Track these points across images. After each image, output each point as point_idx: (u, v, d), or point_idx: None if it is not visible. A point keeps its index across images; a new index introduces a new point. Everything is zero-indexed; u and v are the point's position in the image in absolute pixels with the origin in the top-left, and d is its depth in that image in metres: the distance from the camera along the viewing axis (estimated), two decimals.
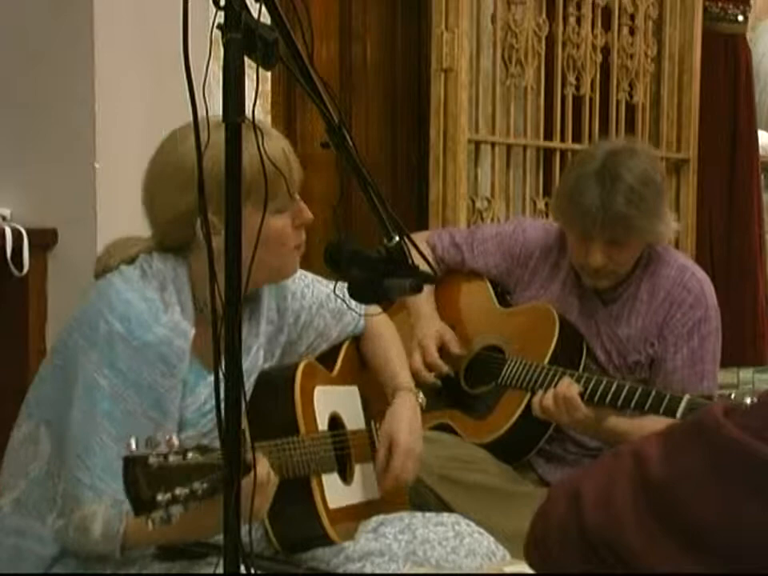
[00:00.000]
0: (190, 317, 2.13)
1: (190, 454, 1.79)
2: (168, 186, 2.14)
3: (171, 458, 1.76)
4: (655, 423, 2.65)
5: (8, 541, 2.15)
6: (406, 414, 2.44)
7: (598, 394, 2.80)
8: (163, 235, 2.17)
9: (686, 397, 2.69)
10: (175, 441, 1.78)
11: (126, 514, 1.97)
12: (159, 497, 1.73)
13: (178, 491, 1.74)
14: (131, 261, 2.16)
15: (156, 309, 2.09)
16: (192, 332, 2.11)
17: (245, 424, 1.93)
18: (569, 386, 2.79)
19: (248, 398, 2.19)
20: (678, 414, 2.68)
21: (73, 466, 2.05)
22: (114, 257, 2.19)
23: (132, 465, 1.73)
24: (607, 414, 2.80)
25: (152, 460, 1.74)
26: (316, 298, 2.38)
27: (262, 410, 2.19)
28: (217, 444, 2.09)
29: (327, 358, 2.46)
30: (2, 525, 2.16)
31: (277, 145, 2.08)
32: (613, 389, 2.78)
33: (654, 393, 2.73)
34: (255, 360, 2.23)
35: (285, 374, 2.28)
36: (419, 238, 3.16)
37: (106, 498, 2.01)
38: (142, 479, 1.72)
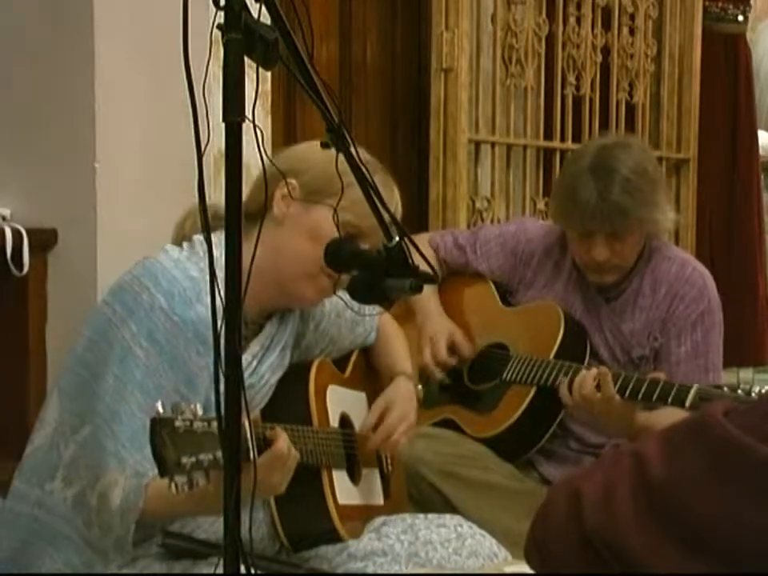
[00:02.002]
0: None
1: (213, 423, 1.80)
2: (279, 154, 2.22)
3: (196, 425, 1.78)
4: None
5: (8, 504, 2.17)
6: (402, 391, 2.46)
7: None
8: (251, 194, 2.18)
9: (695, 386, 2.70)
10: (200, 410, 1.80)
11: (145, 487, 1.99)
12: (184, 459, 1.74)
13: (202, 456, 1.76)
14: (182, 241, 2.20)
15: (199, 289, 2.11)
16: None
17: (257, 414, 1.95)
18: (586, 378, 2.78)
19: (271, 393, 2.23)
20: (687, 404, 2.68)
21: (99, 432, 2.06)
22: (189, 220, 2.24)
23: (159, 426, 1.75)
24: (633, 407, 2.78)
25: (179, 423, 1.76)
26: (335, 305, 2.40)
27: (277, 400, 2.22)
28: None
29: (338, 361, 2.47)
30: (12, 487, 2.18)
31: (395, 195, 2.26)
32: (621, 380, 2.78)
33: (662, 383, 2.74)
34: (281, 359, 2.26)
35: (299, 369, 2.30)
36: (421, 239, 3.18)
37: (128, 467, 2.03)
38: (169, 441, 1.74)
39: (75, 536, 2.11)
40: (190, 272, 2.13)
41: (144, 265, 2.15)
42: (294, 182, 2.15)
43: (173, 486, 1.75)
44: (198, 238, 2.19)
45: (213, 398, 2.11)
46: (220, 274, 2.07)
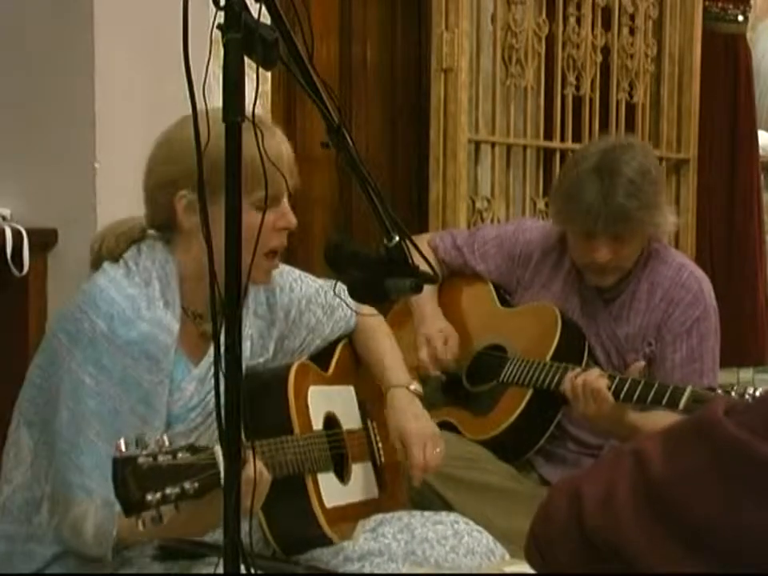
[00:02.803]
0: (175, 312, 2.13)
1: (180, 454, 1.79)
2: (161, 152, 2.17)
3: (161, 458, 1.76)
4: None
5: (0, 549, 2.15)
6: (405, 406, 2.44)
7: None
8: (150, 207, 2.18)
9: (689, 389, 2.69)
10: (165, 440, 1.78)
11: (118, 515, 1.96)
12: (149, 497, 1.73)
13: (168, 491, 1.74)
14: (117, 258, 2.17)
15: (138, 306, 2.10)
16: (176, 327, 2.12)
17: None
18: (598, 378, 2.77)
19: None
20: (681, 406, 2.68)
21: (62, 466, 2.05)
22: (103, 247, 2.21)
23: (121, 466, 1.74)
24: (627, 408, 2.78)
25: (141, 460, 1.74)
26: (305, 292, 2.39)
27: (256, 410, 2.19)
28: (204, 440, 2.10)
29: (322, 358, 2.46)
30: None
31: (278, 144, 2.10)
32: (615, 382, 2.78)
33: (656, 386, 2.73)
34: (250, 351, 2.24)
35: (278, 375, 2.28)
36: (420, 239, 3.17)
37: (97, 497, 2.01)
38: (132, 480, 1.73)
39: (70, 553, 2.11)
40: (126, 290, 2.11)
41: (84, 290, 2.14)
42: (184, 192, 2.11)
43: (140, 523, 1.74)
44: (128, 255, 2.16)
45: (174, 411, 2.13)
46: (144, 291, 2.09)
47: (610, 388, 2.75)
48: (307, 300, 2.39)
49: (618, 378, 2.77)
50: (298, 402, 2.27)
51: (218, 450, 1.80)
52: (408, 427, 2.39)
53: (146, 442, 1.76)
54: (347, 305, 2.40)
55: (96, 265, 2.20)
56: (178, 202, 2.11)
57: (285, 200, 2.17)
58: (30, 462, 2.13)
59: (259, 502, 1.96)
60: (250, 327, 2.26)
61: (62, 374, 2.07)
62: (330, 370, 2.45)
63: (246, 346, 2.24)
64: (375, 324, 2.56)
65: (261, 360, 2.29)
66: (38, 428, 2.12)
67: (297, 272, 2.41)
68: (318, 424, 2.32)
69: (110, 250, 2.19)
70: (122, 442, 1.75)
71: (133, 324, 2.08)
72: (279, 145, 2.11)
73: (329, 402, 2.39)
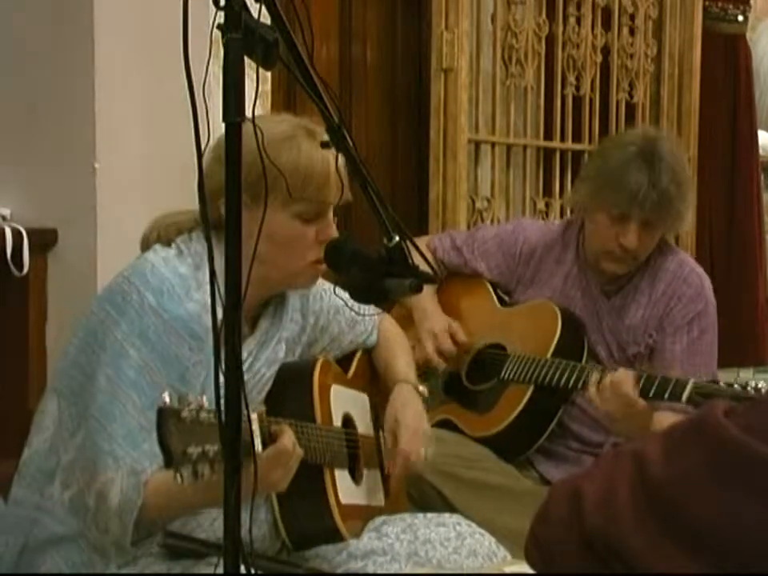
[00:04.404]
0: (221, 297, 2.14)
1: None
2: (208, 160, 2.17)
3: (203, 415, 1.78)
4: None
5: (9, 510, 2.18)
6: (407, 400, 2.47)
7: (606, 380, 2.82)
8: (200, 207, 2.19)
9: (692, 381, 2.70)
10: (205, 402, 1.80)
11: (144, 484, 2.00)
12: (190, 450, 1.74)
13: (208, 447, 1.76)
14: (168, 242, 2.20)
15: (188, 285, 2.12)
16: (220, 312, 2.12)
17: (263, 409, 1.94)
18: (627, 377, 2.76)
19: (268, 388, 2.22)
20: (684, 399, 2.68)
21: (93, 432, 2.06)
22: (156, 228, 2.23)
23: (166, 416, 1.75)
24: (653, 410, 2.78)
25: (185, 414, 1.76)
26: (333, 302, 2.41)
27: (281, 398, 2.22)
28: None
29: (341, 363, 2.48)
30: (11, 493, 2.19)
31: (325, 154, 2.09)
32: (643, 380, 2.79)
33: (659, 378, 2.74)
34: (275, 353, 2.26)
35: (304, 367, 2.31)
36: (420, 242, 3.18)
37: (124, 465, 2.03)
38: (175, 431, 1.75)
39: (75, 536, 2.11)
40: (178, 269, 2.14)
41: (134, 264, 2.16)
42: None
43: (178, 476, 1.75)
44: (180, 240, 2.19)
45: (210, 393, 2.13)
46: (195, 273, 2.10)
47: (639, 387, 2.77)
48: (335, 310, 2.43)
49: (599, 368, 2.81)
50: (322, 396, 2.29)
51: (255, 419, 1.84)
52: (404, 419, 2.42)
53: (189, 399, 1.78)
54: (370, 321, 2.47)
55: (145, 246, 2.23)
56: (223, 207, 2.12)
57: (330, 213, 2.18)
58: (52, 431, 2.15)
59: (288, 476, 1.98)
60: (285, 330, 2.29)
61: (106, 343, 2.08)
62: (350, 374, 2.47)
63: (281, 348, 2.28)
64: (390, 329, 2.61)
65: (276, 366, 2.30)
66: (66, 399, 2.13)
67: (325, 282, 2.42)
68: (337, 421, 2.34)
69: (162, 236, 2.21)
70: (167, 395, 1.77)
71: (181, 302, 2.10)
72: (328, 156, 2.09)
73: (347, 403, 2.40)
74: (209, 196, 2.12)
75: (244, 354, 2.16)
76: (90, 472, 2.06)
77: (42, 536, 2.13)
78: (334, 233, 2.19)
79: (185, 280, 2.13)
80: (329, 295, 2.40)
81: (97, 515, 2.07)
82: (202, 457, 1.75)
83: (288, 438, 1.95)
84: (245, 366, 2.14)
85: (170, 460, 1.75)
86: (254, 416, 1.85)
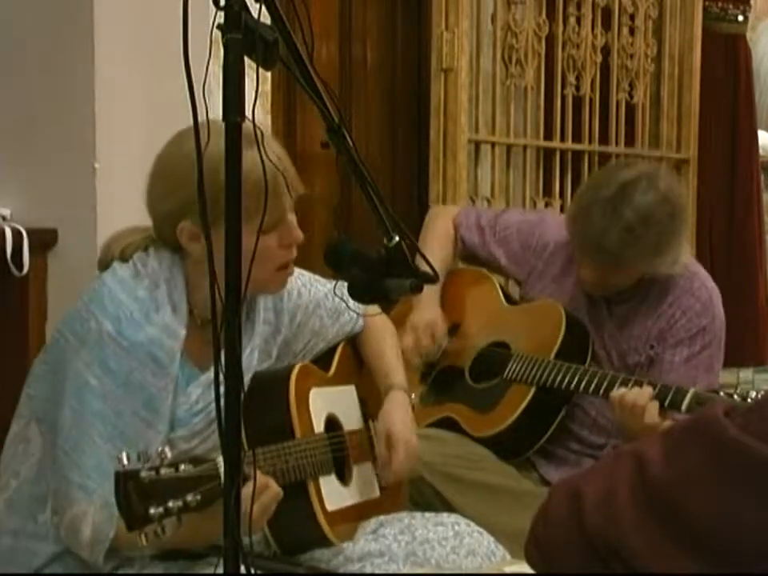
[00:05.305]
0: (182, 317, 2.12)
1: (182, 466, 1.79)
2: (157, 185, 2.16)
3: (163, 471, 1.76)
4: None
5: (3, 541, 2.16)
6: (398, 410, 2.44)
7: (604, 386, 2.81)
8: (156, 230, 2.18)
9: (692, 390, 2.70)
10: (167, 452, 1.78)
11: (117, 518, 1.94)
12: (152, 511, 1.73)
13: (170, 504, 1.74)
14: (126, 258, 2.17)
15: (147, 308, 2.09)
16: (183, 333, 2.11)
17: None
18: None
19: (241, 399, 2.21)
20: (683, 408, 2.68)
21: (63, 465, 2.05)
22: (113, 250, 2.20)
23: (124, 480, 1.73)
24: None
25: (144, 474, 1.74)
26: (313, 297, 2.38)
27: (258, 415, 2.18)
28: (206, 445, 2.10)
29: (323, 359, 2.45)
30: (2, 525, 2.16)
31: (278, 162, 1.96)
32: (618, 383, 2.78)
33: (659, 386, 2.74)
34: (249, 361, 2.23)
35: (279, 378, 2.27)
36: (449, 211, 3.29)
37: (97, 498, 2.01)
38: (134, 494, 1.73)
39: (70, 552, 2.11)
40: (136, 292, 2.11)
41: (93, 288, 2.13)
42: (183, 224, 2.08)
43: (142, 537, 1.74)
44: (136, 257, 2.15)
45: (179, 415, 2.13)
46: (153, 294, 2.07)
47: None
48: (315, 305, 2.39)
49: (620, 379, 2.80)
50: (300, 406, 2.26)
51: (220, 461, 1.79)
52: (395, 430, 2.40)
53: (149, 455, 1.76)
54: (353, 310, 2.38)
55: (104, 266, 2.20)
56: (180, 234, 2.10)
57: (290, 215, 2.14)
58: (38, 457, 2.14)
59: (264, 516, 1.96)
60: (257, 337, 2.26)
61: (68, 373, 2.06)
62: (332, 371, 2.45)
63: (254, 356, 2.25)
64: (379, 323, 2.55)
65: (264, 365, 2.29)
66: (46, 425, 2.12)
67: (307, 275, 2.40)
68: (319, 426, 2.32)
69: (120, 252, 2.18)
70: (125, 455, 1.75)
71: (140, 327, 2.07)
72: (280, 162, 2.00)
73: (330, 403, 2.38)
74: (161, 220, 2.11)
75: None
76: (62, 504, 2.05)
77: (40, 562, 2.13)
78: (298, 235, 2.15)
79: (143, 303, 2.09)
80: (308, 289, 2.37)
81: (70, 545, 2.07)
82: (165, 515, 1.73)
83: (250, 484, 1.73)
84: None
85: (132, 525, 1.73)
86: (219, 459, 1.79)
